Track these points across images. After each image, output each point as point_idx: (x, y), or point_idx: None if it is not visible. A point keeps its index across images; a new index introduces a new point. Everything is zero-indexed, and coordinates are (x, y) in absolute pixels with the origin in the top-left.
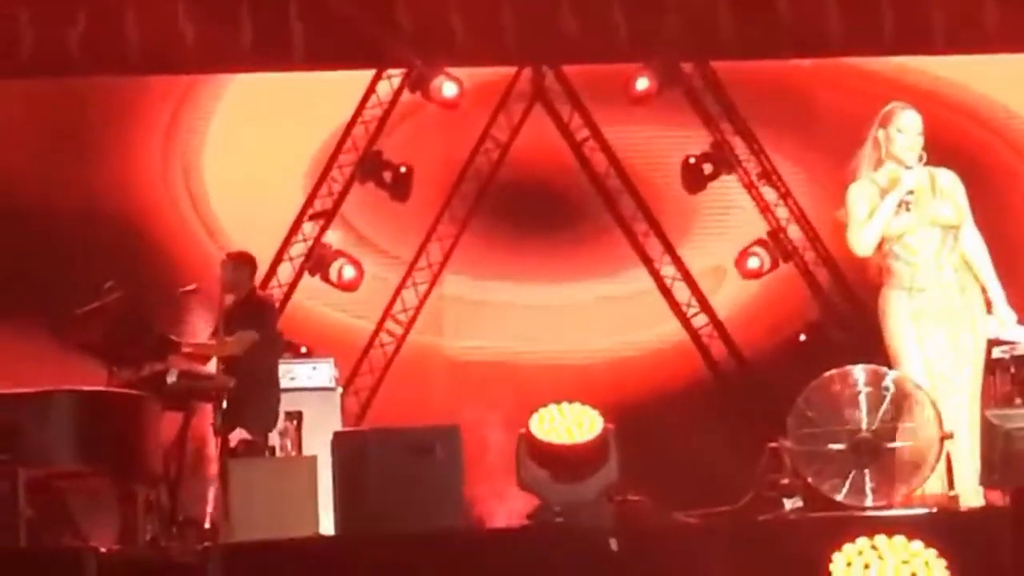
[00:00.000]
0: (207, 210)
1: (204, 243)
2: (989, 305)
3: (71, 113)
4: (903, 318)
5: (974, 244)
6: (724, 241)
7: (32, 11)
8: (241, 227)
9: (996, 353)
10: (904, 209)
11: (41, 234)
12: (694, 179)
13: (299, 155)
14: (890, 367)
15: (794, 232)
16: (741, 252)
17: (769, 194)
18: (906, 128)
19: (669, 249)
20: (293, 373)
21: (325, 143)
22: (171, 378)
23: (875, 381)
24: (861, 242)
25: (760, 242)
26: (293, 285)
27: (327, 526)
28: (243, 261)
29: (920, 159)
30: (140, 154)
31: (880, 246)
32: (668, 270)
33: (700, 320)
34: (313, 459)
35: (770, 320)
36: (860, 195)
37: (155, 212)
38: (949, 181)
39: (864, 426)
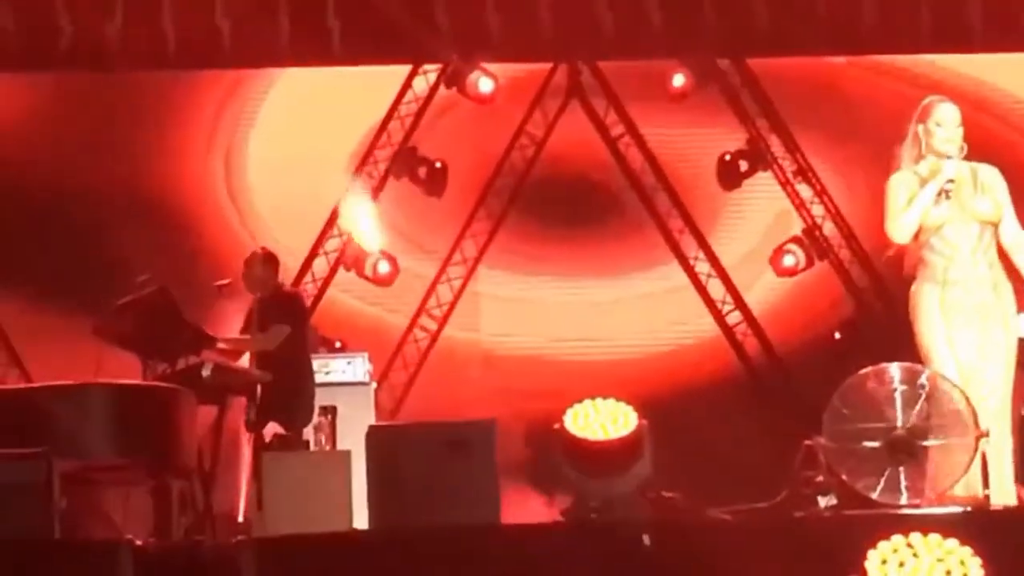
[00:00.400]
0: (245, 204)
1: (241, 236)
2: (1021, 303)
3: (109, 107)
4: (934, 313)
5: (1014, 238)
6: (759, 238)
7: (70, 5)
8: (278, 221)
9: None
10: (944, 198)
11: (84, 228)
12: (730, 176)
13: (336, 150)
14: (922, 363)
15: (829, 230)
16: (776, 249)
17: (804, 191)
18: (945, 121)
19: (704, 246)
20: (328, 367)
21: (361, 138)
22: (206, 372)
23: (911, 379)
24: (899, 229)
25: (795, 240)
26: (328, 279)
27: (361, 521)
28: (268, 259)
29: (961, 150)
30: (179, 149)
31: (916, 236)
32: (703, 267)
33: (735, 317)
34: (347, 453)
35: (805, 318)
36: (900, 183)
37: (194, 206)
38: (991, 176)
39: (899, 424)
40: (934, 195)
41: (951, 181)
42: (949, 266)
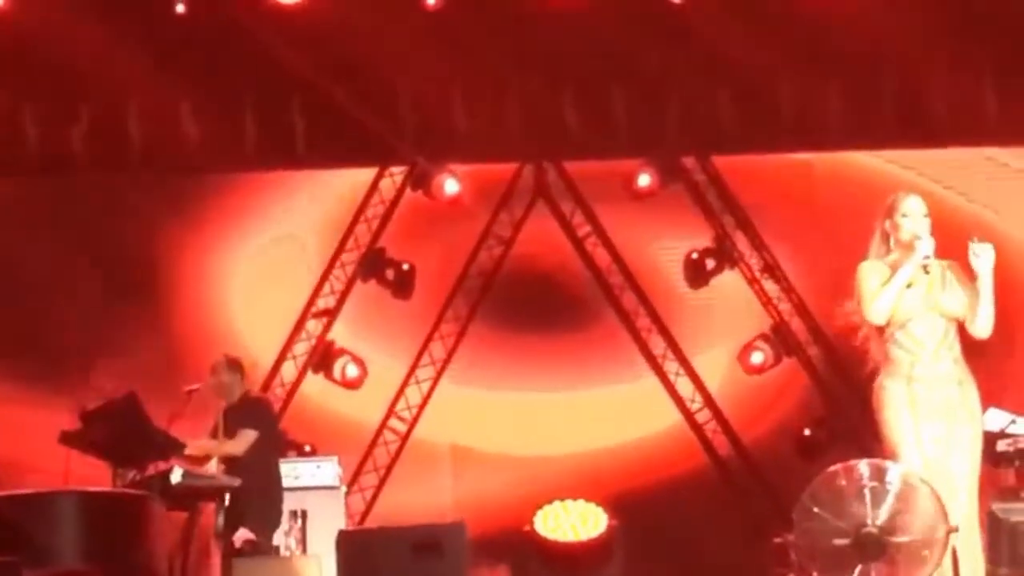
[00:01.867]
0: (210, 308)
1: (207, 342)
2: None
3: (75, 208)
4: (902, 409)
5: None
6: (727, 336)
7: (36, 108)
8: (246, 325)
9: (1001, 446)
10: (925, 272)
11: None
12: (697, 274)
13: (302, 253)
14: (889, 459)
15: (797, 326)
16: (744, 347)
17: (771, 288)
18: (911, 212)
19: (672, 344)
20: (297, 472)
21: (328, 241)
22: (176, 477)
23: (879, 475)
24: (877, 309)
25: (763, 336)
26: (297, 383)
27: None
28: (233, 365)
29: (930, 241)
30: (143, 251)
31: (882, 331)
32: (671, 365)
33: (704, 415)
34: (318, 558)
35: (774, 415)
36: (871, 269)
37: (158, 309)
38: (955, 273)
39: (869, 521)
40: (911, 273)
41: (928, 257)
42: (915, 362)
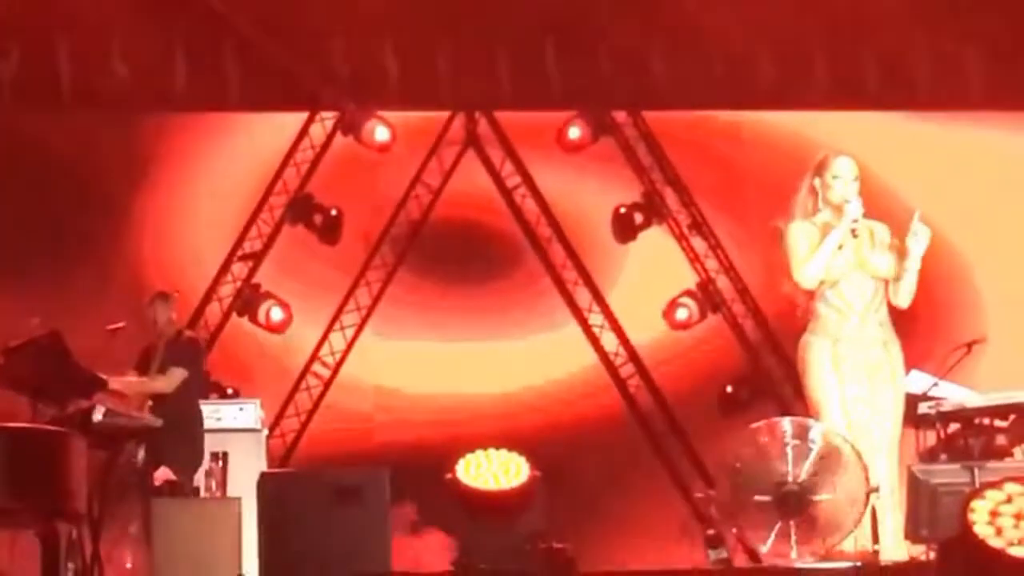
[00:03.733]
0: (137, 247)
1: (132, 280)
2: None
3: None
4: (826, 367)
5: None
6: (653, 291)
7: None
8: (171, 265)
9: (922, 408)
10: (853, 236)
11: None
12: (625, 229)
13: (230, 196)
14: (812, 415)
15: (723, 283)
16: (670, 303)
17: (699, 245)
18: (842, 173)
19: (598, 298)
20: (219, 413)
21: (256, 184)
22: (97, 415)
23: (802, 434)
24: (807, 274)
25: (689, 293)
26: (221, 325)
27: (251, 569)
28: (168, 301)
29: (860, 202)
30: (72, 188)
31: (813, 290)
32: (596, 319)
33: (628, 370)
34: (237, 501)
35: (698, 371)
36: (800, 232)
37: (83, 247)
38: (886, 234)
39: (790, 478)
40: (840, 237)
41: (856, 221)
42: (843, 322)
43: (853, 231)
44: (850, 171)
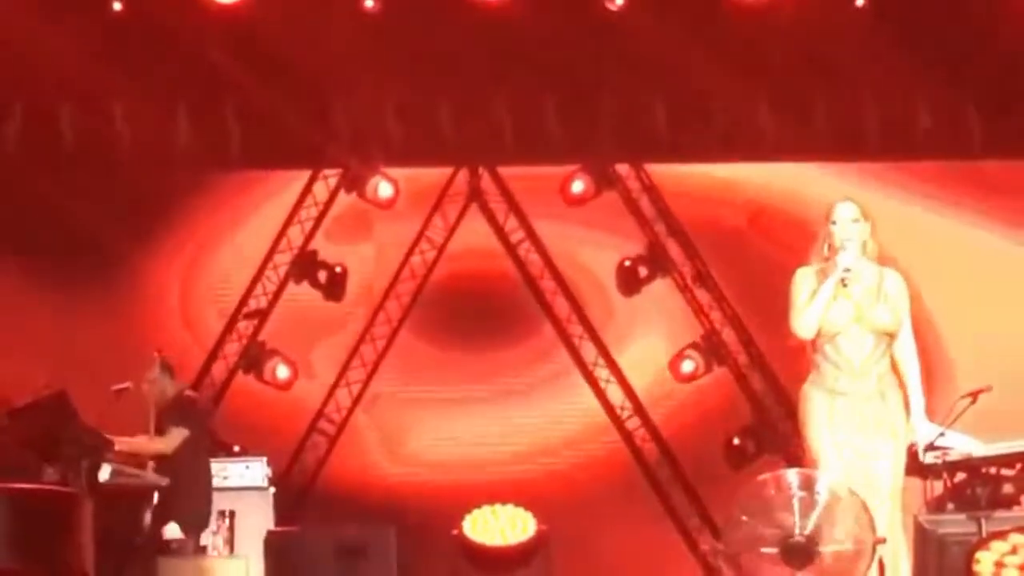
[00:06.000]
0: (141, 306)
1: (137, 339)
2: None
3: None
4: (822, 419)
5: (906, 352)
6: (658, 344)
7: None
8: (176, 324)
9: (929, 459)
10: (842, 285)
11: None
12: (629, 282)
13: (235, 253)
14: (812, 466)
15: (728, 335)
16: (675, 355)
17: (703, 297)
18: (840, 218)
19: (603, 352)
20: (226, 472)
21: (261, 242)
22: (104, 475)
23: (808, 485)
24: (802, 324)
25: (694, 345)
26: (227, 383)
27: None
28: (164, 366)
29: (863, 246)
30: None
31: (813, 340)
32: (602, 372)
33: (634, 423)
34: (246, 559)
35: (704, 423)
36: (802, 278)
37: (88, 305)
38: (895, 285)
39: (797, 530)
40: (833, 287)
41: (847, 270)
42: (839, 376)
43: (843, 280)
44: (848, 214)
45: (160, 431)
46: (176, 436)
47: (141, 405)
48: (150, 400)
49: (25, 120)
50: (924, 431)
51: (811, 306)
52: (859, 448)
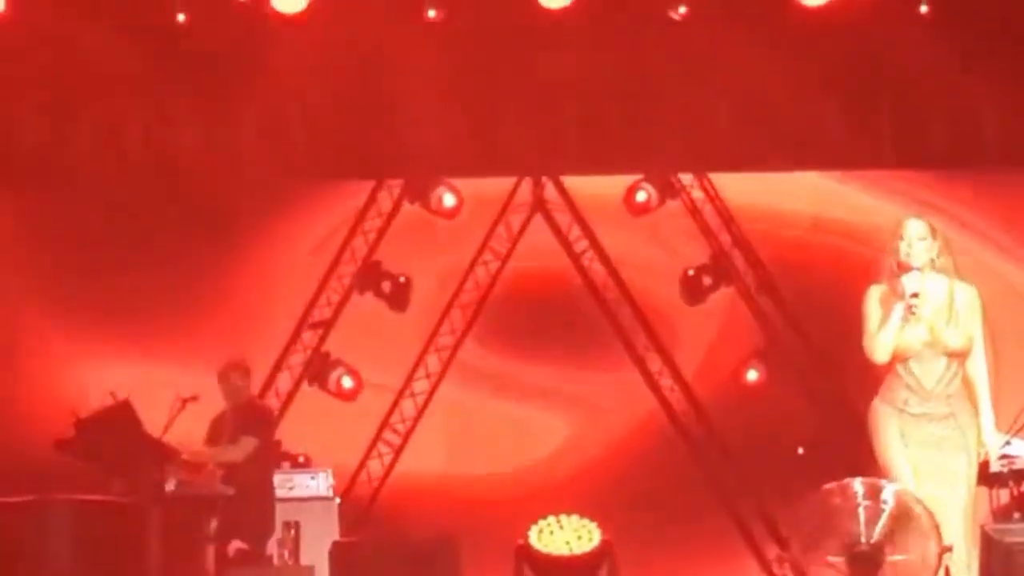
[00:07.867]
0: (208, 316)
1: (203, 348)
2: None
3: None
4: (893, 436)
5: (978, 369)
6: (723, 353)
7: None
8: (241, 334)
9: (995, 467)
10: (910, 313)
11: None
12: (694, 291)
13: (299, 264)
14: (882, 476)
15: (792, 343)
16: (739, 364)
17: (767, 305)
18: (906, 235)
19: (667, 361)
20: (291, 482)
21: (325, 253)
22: (170, 486)
23: (874, 494)
24: (875, 351)
25: (758, 354)
26: (292, 394)
27: None
28: (244, 370)
29: (932, 264)
30: (141, 260)
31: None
32: (666, 381)
33: (699, 432)
34: (310, 569)
35: (769, 432)
36: (872, 298)
37: (152, 321)
38: (966, 302)
39: (863, 539)
40: (900, 316)
41: (915, 295)
42: (909, 397)
43: (910, 307)
44: (915, 232)
45: (231, 436)
46: (247, 445)
47: (202, 416)
48: (228, 404)
49: (93, 129)
50: (993, 443)
51: (883, 333)
52: (928, 464)
